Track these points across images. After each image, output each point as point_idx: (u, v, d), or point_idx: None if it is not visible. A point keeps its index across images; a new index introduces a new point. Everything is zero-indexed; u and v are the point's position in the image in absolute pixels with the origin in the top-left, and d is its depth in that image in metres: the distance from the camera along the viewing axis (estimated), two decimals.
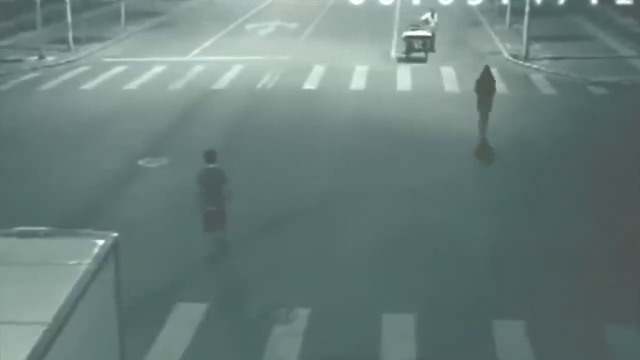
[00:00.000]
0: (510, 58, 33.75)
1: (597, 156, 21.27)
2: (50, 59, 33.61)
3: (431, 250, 15.53)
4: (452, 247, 15.68)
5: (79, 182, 19.20)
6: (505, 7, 41.81)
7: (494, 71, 30.71)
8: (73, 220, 16.35)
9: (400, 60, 33.70)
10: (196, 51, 36.23)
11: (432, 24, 35.18)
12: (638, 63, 33.05)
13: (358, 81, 30.00)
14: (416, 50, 33.59)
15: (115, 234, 8.69)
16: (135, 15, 43.75)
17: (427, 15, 35.50)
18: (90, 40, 36.87)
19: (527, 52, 33.33)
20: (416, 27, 34.60)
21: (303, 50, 36.52)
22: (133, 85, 29.50)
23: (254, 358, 11.97)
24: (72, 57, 34.05)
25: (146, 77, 30.79)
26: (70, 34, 35.05)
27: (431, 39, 34.35)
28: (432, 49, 34.63)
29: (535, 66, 32.13)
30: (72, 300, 7.23)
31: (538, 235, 16.30)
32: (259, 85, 29.38)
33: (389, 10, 45.85)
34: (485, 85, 21.32)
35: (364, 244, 15.82)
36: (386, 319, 12.96)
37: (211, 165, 14.87)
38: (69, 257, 8.07)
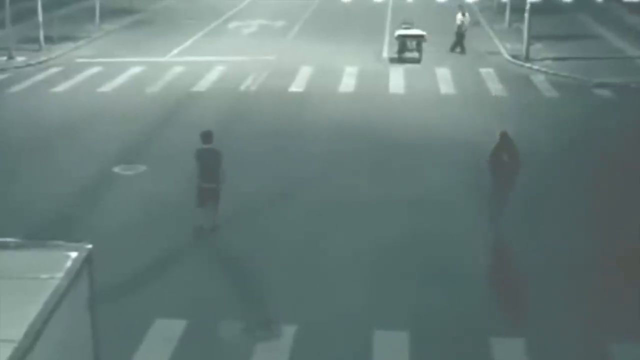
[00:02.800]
0: (510, 58, 33.90)
1: (601, 163, 21.37)
2: (20, 59, 33.57)
3: (426, 263, 15.57)
4: (448, 259, 15.72)
5: (50, 190, 19.19)
6: (504, 5, 42.08)
7: (491, 71, 31.25)
8: (44, 231, 16.37)
9: (392, 60, 33.84)
10: (175, 51, 36.26)
11: (465, 23, 35.35)
12: None
13: (348, 83, 30.09)
14: (409, 50, 33.72)
15: (90, 246, 8.71)
16: (110, 13, 43.77)
17: (459, 16, 35.31)
18: (62, 39, 36.85)
19: (527, 52, 33.45)
20: (409, 25, 34.76)
21: (289, 50, 36.59)
22: (108, 87, 29.50)
23: None
24: (43, 58, 34.03)
25: (122, 79, 30.79)
26: (42, 33, 35.06)
27: (464, 37, 35.21)
28: (462, 51, 35.09)
29: (536, 67, 32.27)
30: (43, 316, 7.24)
31: (538, 247, 16.36)
32: (242, 88, 29.43)
33: (381, 7, 46.04)
34: (503, 158, 16.83)
35: (354, 255, 15.85)
36: (378, 336, 12.99)
37: (206, 146, 16.28)
38: (40, 270, 8.08)
